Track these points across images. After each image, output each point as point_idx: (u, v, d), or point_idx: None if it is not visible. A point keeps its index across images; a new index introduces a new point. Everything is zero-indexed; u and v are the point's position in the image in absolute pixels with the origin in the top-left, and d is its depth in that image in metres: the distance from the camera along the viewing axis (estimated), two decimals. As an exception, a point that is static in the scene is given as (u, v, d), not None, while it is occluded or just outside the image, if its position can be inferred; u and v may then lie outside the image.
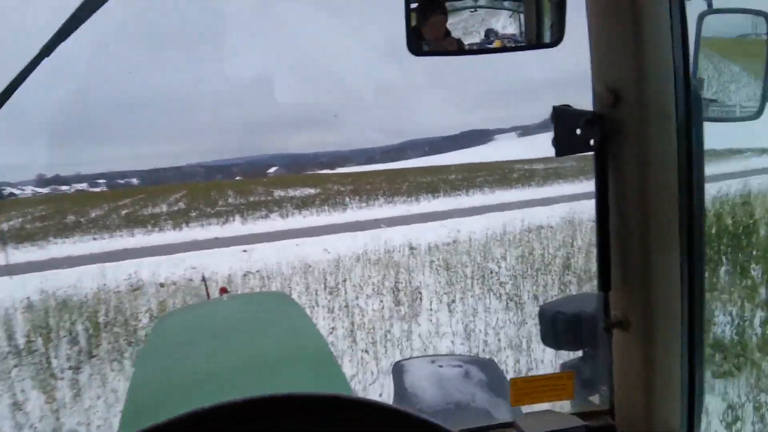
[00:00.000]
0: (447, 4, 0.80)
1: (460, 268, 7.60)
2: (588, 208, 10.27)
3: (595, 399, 0.97)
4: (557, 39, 0.79)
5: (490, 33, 0.83)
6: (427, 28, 0.81)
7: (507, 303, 5.95)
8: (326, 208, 17.48)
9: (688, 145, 0.77)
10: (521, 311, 5.65)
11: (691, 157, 0.78)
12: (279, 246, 10.63)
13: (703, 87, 0.81)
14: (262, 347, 1.85)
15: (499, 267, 7.57)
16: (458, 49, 0.82)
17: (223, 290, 3.53)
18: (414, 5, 0.80)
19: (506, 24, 0.83)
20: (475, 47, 0.82)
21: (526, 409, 0.97)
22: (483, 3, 0.82)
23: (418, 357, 1.98)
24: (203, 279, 4.42)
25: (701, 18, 0.82)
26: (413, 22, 0.80)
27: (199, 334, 2.13)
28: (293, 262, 8.77)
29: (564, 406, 0.99)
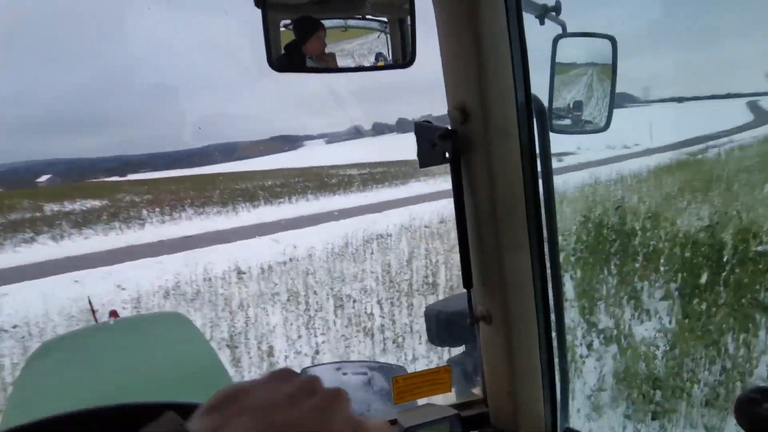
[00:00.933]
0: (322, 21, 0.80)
1: (310, 295, 6.37)
2: (419, 212, 11.22)
3: (478, 390, 1.03)
4: (410, 60, 0.84)
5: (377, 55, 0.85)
6: (307, 45, 0.82)
7: (384, 344, 5.02)
8: (117, 225, 13.87)
9: (532, 158, 0.88)
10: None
11: (535, 169, 0.89)
12: (46, 285, 7.35)
13: (556, 103, 0.94)
14: (155, 370, 1.76)
15: (355, 288, 6.63)
16: (329, 66, 0.83)
17: (113, 313, 3.11)
18: (285, 21, 0.79)
19: (373, 44, 0.86)
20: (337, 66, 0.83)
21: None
22: (353, 24, 0.84)
23: (326, 363, 1.91)
24: (89, 302, 3.77)
25: (556, 41, 0.92)
26: (284, 38, 0.80)
27: (82, 362, 1.95)
28: (68, 309, 6.15)
29: (451, 398, 1.04)
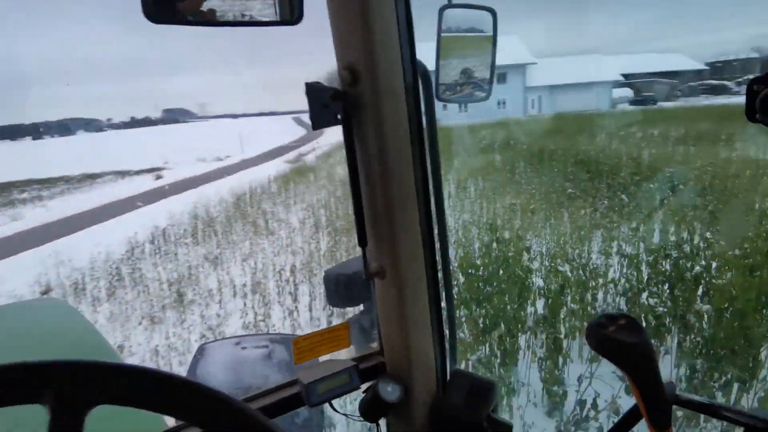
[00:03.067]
0: None
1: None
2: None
3: (377, 345, 1.09)
4: (298, 17, 0.81)
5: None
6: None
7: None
8: None
9: (419, 120, 0.92)
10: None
11: (421, 131, 0.93)
12: None
13: (442, 72, 0.98)
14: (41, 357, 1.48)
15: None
16: (207, 19, 0.78)
17: None
18: None
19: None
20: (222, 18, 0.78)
21: None
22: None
23: (224, 339, 1.83)
24: None
25: (442, 10, 0.93)
26: None
27: None
28: None
29: (351, 354, 1.09)
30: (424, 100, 0.93)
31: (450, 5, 0.93)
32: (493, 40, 0.98)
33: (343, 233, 7.50)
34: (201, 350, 1.55)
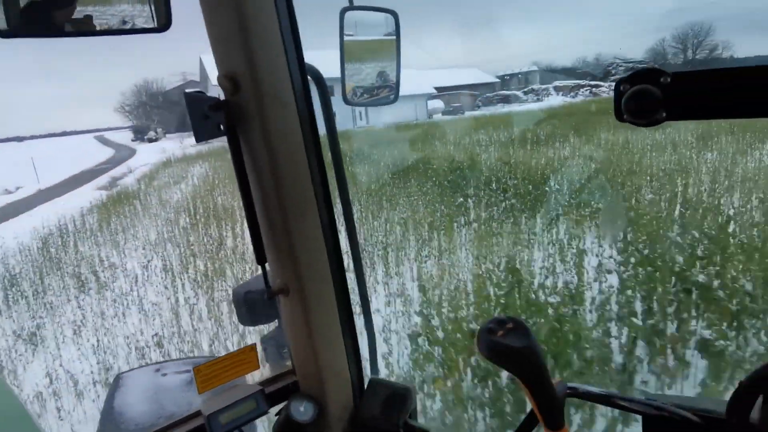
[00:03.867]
0: None
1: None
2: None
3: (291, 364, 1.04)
4: (166, 24, 0.79)
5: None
6: (55, 6, 0.72)
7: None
8: None
9: (312, 127, 0.88)
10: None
11: (317, 138, 0.89)
12: None
13: (348, 75, 0.95)
14: None
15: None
16: (81, 30, 0.74)
17: None
18: None
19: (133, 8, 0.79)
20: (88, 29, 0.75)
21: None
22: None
23: (143, 366, 1.70)
24: None
25: (343, 13, 0.92)
26: None
27: None
28: None
29: (265, 375, 1.04)
30: (321, 105, 0.90)
31: (351, 7, 0.91)
32: (397, 42, 0.97)
33: (214, 275, 5.86)
34: (117, 380, 1.44)
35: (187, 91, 0.82)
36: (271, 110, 0.81)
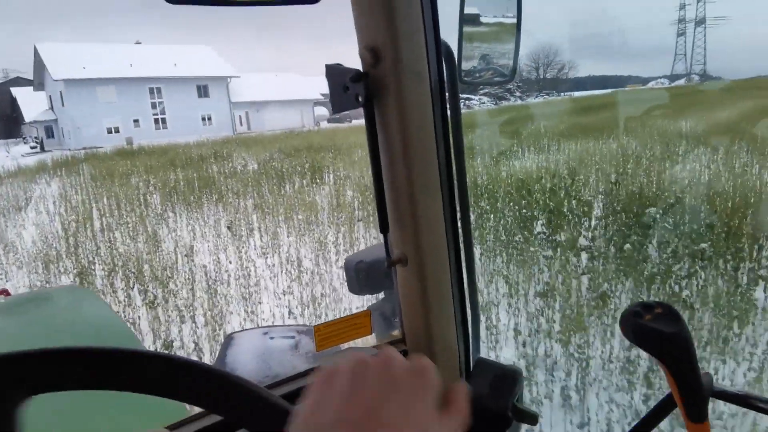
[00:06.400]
0: None
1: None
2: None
3: (398, 333, 1.07)
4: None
5: None
6: None
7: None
8: None
9: (442, 102, 0.89)
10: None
11: (445, 113, 0.90)
12: None
13: (463, 53, 0.97)
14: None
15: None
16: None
17: (4, 292, 2.75)
18: None
19: None
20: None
21: None
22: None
23: (252, 329, 1.86)
24: None
25: None
26: None
27: None
28: None
29: (372, 342, 1.08)
30: (448, 81, 0.90)
31: None
32: (518, 22, 0.96)
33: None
34: (229, 339, 1.55)
35: (327, 64, 0.84)
36: (407, 84, 0.83)
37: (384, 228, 0.91)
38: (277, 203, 9.17)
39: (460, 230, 0.99)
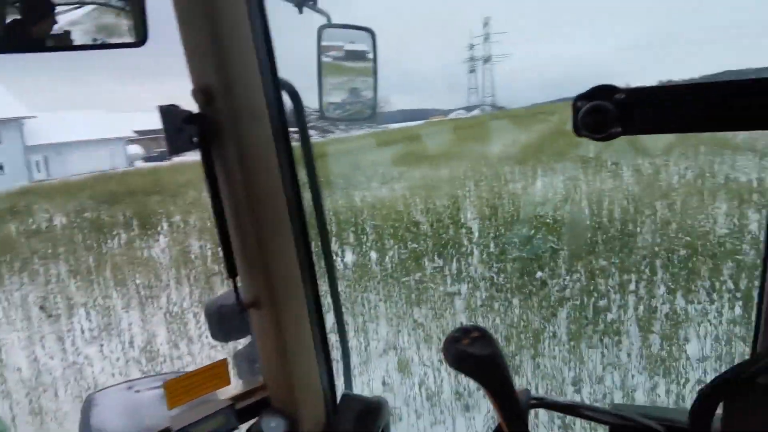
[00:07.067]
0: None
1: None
2: None
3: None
4: (142, 39, 0.79)
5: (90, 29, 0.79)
6: (34, 22, 0.73)
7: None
8: None
9: (286, 141, 0.89)
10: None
11: (290, 152, 0.90)
12: None
13: (325, 91, 0.97)
14: None
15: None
16: (58, 45, 0.76)
17: None
18: None
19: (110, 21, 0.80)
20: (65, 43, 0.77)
21: None
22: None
23: (113, 385, 1.58)
24: None
25: (321, 30, 0.94)
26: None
27: None
28: None
29: (236, 390, 1.01)
30: (296, 119, 0.91)
31: (328, 25, 0.92)
32: (374, 59, 1.00)
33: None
34: (89, 401, 1.36)
35: (161, 105, 0.80)
36: (245, 124, 0.82)
37: (232, 272, 0.87)
38: (101, 265, 7.44)
39: (324, 266, 0.99)
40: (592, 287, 4.87)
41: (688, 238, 5.59)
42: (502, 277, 5.38)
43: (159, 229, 9.63)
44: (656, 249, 5.47)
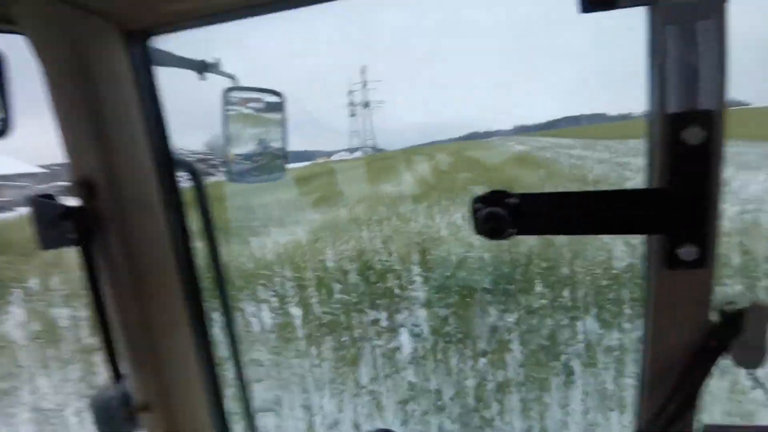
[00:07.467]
0: None
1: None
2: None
3: None
4: (4, 130, 0.75)
5: None
6: None
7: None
8: None
9: (183, 229, 0.83)
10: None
11: (187, 236, 0.84)
12: None
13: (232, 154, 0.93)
14: None
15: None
16: None
17: None
18: None
19: None
20: None
21: None
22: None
23: None
24: None
25: (226, 93, 0.87)
26: None
27: None
28: None
29: None
30: (197, 198, 0.85)
31: (234, 88, 0.91)
32: (282, 120, 0.99)
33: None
34: None
35: (32, 194, 0.72)
36: (134, 217, 0.75)
37: (117, 376, 0.78)
38: None
39: (233, 357, 0.91)
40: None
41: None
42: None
43: (8, 299, 7.84)
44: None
